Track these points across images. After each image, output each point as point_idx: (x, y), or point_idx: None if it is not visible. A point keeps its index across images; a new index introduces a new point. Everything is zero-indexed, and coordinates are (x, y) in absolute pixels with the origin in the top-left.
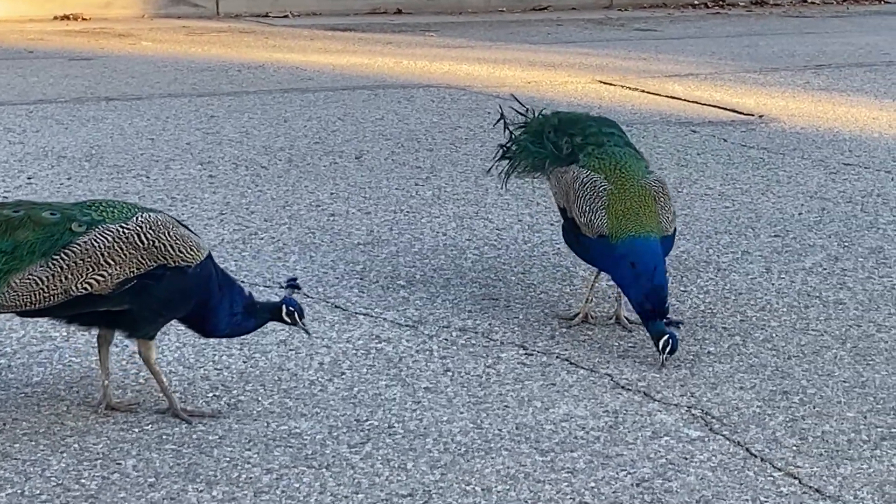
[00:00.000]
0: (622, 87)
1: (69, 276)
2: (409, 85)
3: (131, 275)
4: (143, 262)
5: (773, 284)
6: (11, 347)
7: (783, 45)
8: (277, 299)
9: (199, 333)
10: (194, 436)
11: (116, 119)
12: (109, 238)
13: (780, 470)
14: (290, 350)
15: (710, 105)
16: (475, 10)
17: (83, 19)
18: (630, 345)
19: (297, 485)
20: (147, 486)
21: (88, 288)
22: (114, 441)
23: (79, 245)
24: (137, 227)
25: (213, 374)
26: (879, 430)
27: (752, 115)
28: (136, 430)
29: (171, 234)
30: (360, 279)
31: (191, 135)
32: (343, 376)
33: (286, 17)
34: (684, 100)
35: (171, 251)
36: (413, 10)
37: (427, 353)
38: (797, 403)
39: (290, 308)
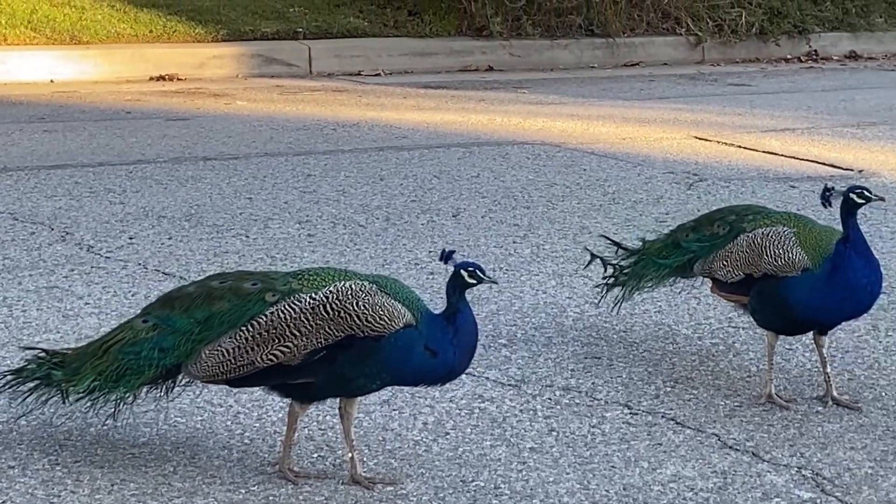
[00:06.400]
0: (718, 142)
1: (255, 348)
2: (503, 142)
3: (318, 346)
4: (331, 332)
5: (880, 342)
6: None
7: (880, 98)
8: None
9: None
10: (301, 497)
11: (214, 178)
12: (297, 309)
13: None
14: (394, 410)
15: (808, 160)
16: (566, 66)
17: (178, 80)
18: (736, 404)
19: None
20: None
21: (274, 359)
22: (221, 502)
23: (265, 316)
24: (324, 297)
25: (318, 434)
26: None
27: (852, 170)
28: (243, 490)
29: (361, 303)
30: None
31: (288, 193)
32: (447, 436)
33: (378, 75)
34: (782, 155)
35: (359, 321)
36: (504, 68)
37: (531, 412)
38: None
39: (470, 269)
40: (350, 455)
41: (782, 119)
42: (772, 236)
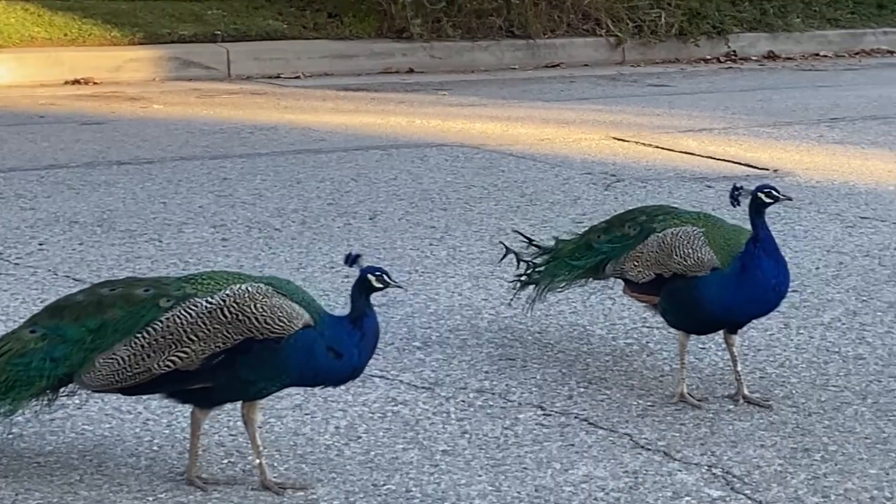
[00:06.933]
0: (636, 143)
1: (151, 355)
2: (422, 144)
3: (217, 350)
4: (229, 335)
5: (791, 340)
6: (24, 416)
7: (796, 98)
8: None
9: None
10: (210, 503)
11: (128, 183)
12: (193, 313)
13: None
14: (306, 414)
15: (724, 160)
16: (487, 67)
17: (94, 83)
18: (649, 404)
19: None
20: None
21: (172, 365)
22: None
23: (161, 322)
24: (221, 301)
25: (229, 440)
26: None
27: (767, 170)
28: (151, 498)
29: (259, 305)
30: None
31: (203, 198)
32: (359, 440)
33: (297, 77)
34: (699, 155)
35: (258, 324)
36: (425, 69)
37: (444, 415)
38: (819, 461)
39: (377, 274)
40: (258, 461)
41: (700, 119)
42: (681, 236)
